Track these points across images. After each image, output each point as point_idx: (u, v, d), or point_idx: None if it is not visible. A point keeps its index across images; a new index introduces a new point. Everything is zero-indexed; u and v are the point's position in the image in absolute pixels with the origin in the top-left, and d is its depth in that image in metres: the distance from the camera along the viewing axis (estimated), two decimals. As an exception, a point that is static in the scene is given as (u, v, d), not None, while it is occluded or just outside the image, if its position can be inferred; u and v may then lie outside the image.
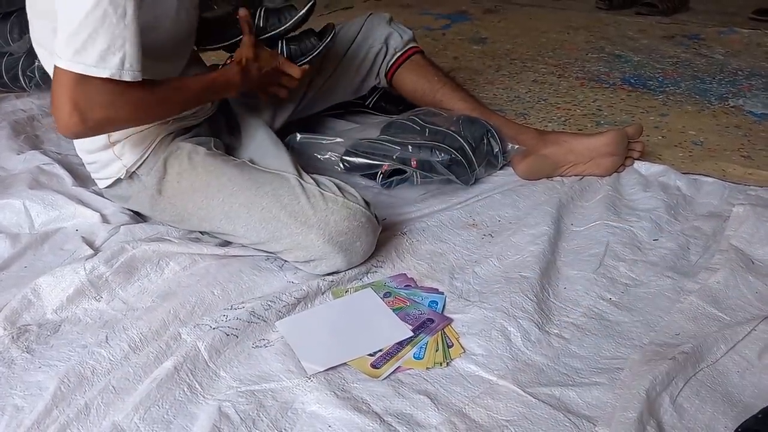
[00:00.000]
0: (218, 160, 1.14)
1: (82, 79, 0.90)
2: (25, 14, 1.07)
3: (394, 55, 1.49)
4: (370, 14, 1.53)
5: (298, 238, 1.05)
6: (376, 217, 1.11)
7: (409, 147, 1.31)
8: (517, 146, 1.36)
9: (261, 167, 1.14)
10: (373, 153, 1.33)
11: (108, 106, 0.93)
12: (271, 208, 1.07)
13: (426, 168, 1.30)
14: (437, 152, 1.29)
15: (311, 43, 1.36)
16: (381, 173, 1.34)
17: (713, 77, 1.97)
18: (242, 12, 1.20)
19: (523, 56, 2.22)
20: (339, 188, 1.10)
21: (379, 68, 1.50)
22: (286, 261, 1.11)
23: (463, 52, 2.28)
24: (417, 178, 1.34)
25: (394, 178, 1.35)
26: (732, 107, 1.75)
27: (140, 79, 0.93)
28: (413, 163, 1.30)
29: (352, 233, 1.06)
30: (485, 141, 1.35)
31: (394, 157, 1.31)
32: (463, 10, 2.83)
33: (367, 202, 1.11)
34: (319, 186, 1.09)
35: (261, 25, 1.31)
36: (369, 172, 1.36)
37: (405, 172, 1.33)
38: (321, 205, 1.06)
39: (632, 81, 1.96)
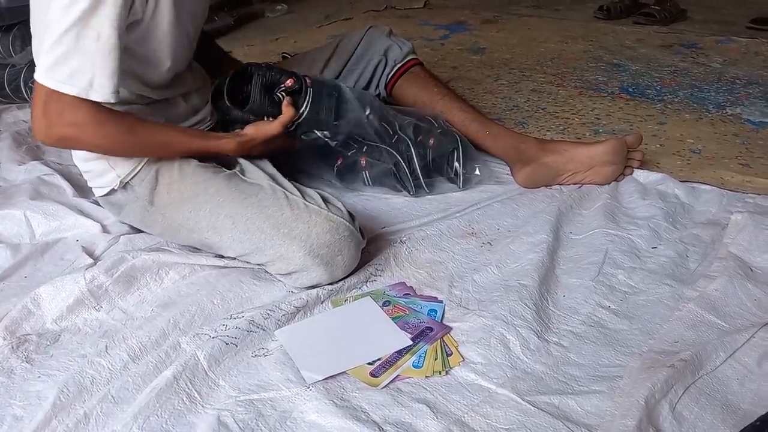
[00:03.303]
0: (208, 171, 1.13)
1: (54, 94, 0.94)
2: (27, 26, 1.08)
3: (393, 67, 1.49)
4: (370, 27, 1.54)
5: (281, 250, 1.05)
6: (361, 231, 1.11)
7: (364, 147, 1.34)
8: (478, 170, 1.39)
9: (249, 179, 1.14)
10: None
11: (73, 124, 0.97)
12: (255, 219, 1.07)
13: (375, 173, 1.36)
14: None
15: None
16: (336, 166, 1.37)
17: (711, 86, 1.98)
18: (288, 112, 1.18)
19: (521, 66, 2.22)
20: (324, 200, 1.10)
21: (379, 80, 1.51)
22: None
23: (462, 62, 2.29)
24: (367, 177, 1.37)
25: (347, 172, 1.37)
26: (730, 115, 1.76)
27: (111, 101, 0.96)
28: (362, 162, 1.35)
29: (334, 246, 1.05)
30: (447, 159, 1.38)
31: (349, 154, 1.34)
32: (461, 21, 2.84)
33: (352, 216, 1.10)
34: (304, 197, 1.09)
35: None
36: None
37: (357, 167, 1.36)
38: (304, 216, 1.06)
39: (630, 90, 1.97)
